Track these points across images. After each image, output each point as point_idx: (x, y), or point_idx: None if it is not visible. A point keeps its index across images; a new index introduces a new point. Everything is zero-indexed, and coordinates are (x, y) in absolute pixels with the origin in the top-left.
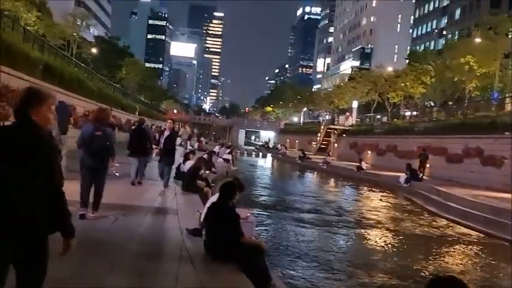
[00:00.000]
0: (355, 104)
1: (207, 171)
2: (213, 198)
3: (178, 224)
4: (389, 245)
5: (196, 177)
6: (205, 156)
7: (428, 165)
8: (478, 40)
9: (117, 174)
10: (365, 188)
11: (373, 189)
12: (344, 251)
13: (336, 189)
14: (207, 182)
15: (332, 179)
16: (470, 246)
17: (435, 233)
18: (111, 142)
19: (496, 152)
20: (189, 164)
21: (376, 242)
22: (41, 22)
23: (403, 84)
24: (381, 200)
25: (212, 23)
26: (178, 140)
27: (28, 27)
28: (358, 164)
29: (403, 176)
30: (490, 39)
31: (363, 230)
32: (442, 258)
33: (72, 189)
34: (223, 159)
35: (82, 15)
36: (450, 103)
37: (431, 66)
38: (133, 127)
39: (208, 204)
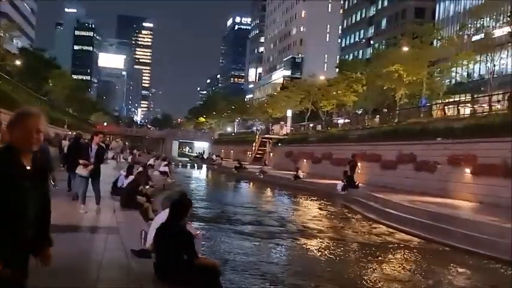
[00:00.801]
0: (289, 113)
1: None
2: (161, 217)
3: (122, 244)
4: (333, 254)
5: (136, 193)
6: (140, 169)
7: (358, 171)
8: (405, 49)
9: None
10: (303, 196)
11: (311, 197)
12: (289, 262)
13: (275, 199)
14: (148, 197)
15: (270, 188)
16: (411, 253)
17: (376, 240)
18: (49, 157)
19: (429, 157)
20: (130, 178)
21: (320, 251)
22: None
23: (335, 92)
24: (320, 208)
25: (141, 34)
26: (110, 154)
27: None
28: (294, 172)
29: (340, 184)
30: (416, 47)
31: (306, 240)
32: (385, 265)
33: None
34: (159, 172)
35: (5, 26)
36: (385, 110)
37: (362, 75)
38: (66, 142)
39: (155, 223)
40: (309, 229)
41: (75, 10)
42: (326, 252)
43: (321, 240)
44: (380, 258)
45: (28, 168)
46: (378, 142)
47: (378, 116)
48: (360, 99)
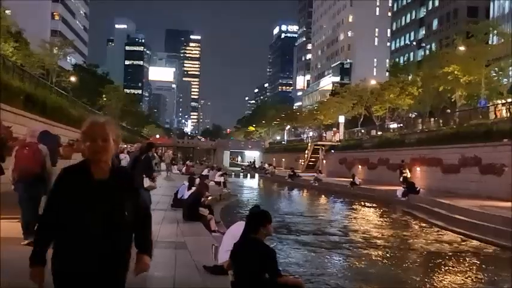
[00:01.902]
0: (341, 119)
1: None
2: (235, 230)
3: (192, 259)
4: (406, 265)
5: (199, 205)
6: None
7: (406, 175)
8: (461, 48)
9: None
10: (361, 203)
11: (370, 204)
12: (360, 274)
13: (333, 207)
14: (210, 209)
15: (326, 196)
16: (486, 261)
17: (448, 249)
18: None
19: (495, 160)
20: (192, 190)
21: (390, 262)
22: (19, 52)
23: (389, 96)
24: (381, 216)
25: (189, 46)
26: (163, 165)
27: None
28: (350, 179)
29: (399, 190)
30: (472, 47)
31: (373, 250)
32: (461, 276)
33: None
34: (214, 182)
35: (59, 43)
36: (448, 111)
37: (417, 77)
38: (124, 155)
39: (228, 237)
40: (373, 238)
41: (125, 26)
42: (397, 263)
43: (388, 249)
44: (455, 268)
45: (99, 178)
46: (438, 145)
47: (433, 119)
48: (415, 102)
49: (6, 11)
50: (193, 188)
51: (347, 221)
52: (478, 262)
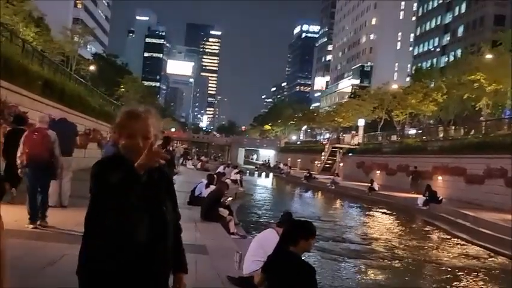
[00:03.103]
0: (361, 122)
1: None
2: (265, 238)
3: (212, 266)
4: (435, 280)
5: (218, 205)
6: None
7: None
8: (489, 56)
9: None
10: (380, 210)
11: (389, 212)
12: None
13: (352, 213)
14: (230, 209)
15: (343, 200)
16: None
17: (476, 264)
18: None
19: None
20: (210, 188)
21: (418, 276)
22: (40, 37)
23: (413, 101)
24: (401, 224)
25: (209, 41)
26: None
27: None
28: (369, 184)
29: (421, 198)
30: (500, 55)
31: (398, 263)
32: None
33: (80, 217)
34: (231, 180)
35: (81, 31)
36: (476, 119)
37: (443, 83)
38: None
39: (256, 245)
40: (395, 248)
41: (146, 18)
42: (423, 277)
43: (412, 262)
44: (485, 286)
45: (140, 174)
46: (462, 155)
47: (454, 127)
48: (438, 109)
49: None
50: (212, 186)
51: (366, 228)
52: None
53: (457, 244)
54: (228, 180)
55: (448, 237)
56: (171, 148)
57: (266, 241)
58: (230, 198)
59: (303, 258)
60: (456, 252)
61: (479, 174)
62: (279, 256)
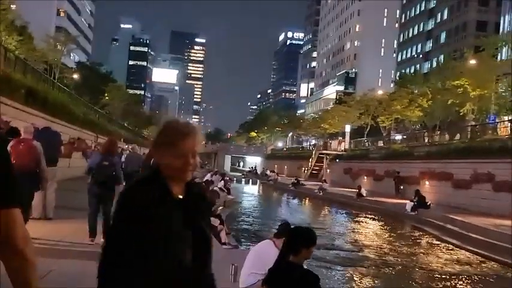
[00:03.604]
0: (347, 128)
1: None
2: (263, 250)
3: None
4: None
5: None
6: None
7: (401, 187)
8: (472, 62)
9: None
10: (369, 216)
11: (378, 217)
12: None
13: (340, 219)
14: (220, 219)
15: (331, 206)
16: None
17: (468, 270)
18: (118, 171)
19: (510, 177)
20: None
21: (413, 284)
22: (23, 46)
23: (398, 107)
24: (390, 230)
25: (194, 49)
26: None
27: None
28: (357, 190)
29: (409, 204)
30: (483, 60)
31: (390, 270)
32: None
33: (66, 230)
34: (219, 188)
35: (64, 39)
36: (469, 124)
37: (428, 89)
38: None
39: (253, 257)
40: (386, 255)
41: (130, 26)
42: (418, 284)
43: (405, 268)
44: None
45: (180, 197)
46: (449, 160)
47: (439, 132)
48: (424, 115)
49: (12, 6)
50: None
51: (356, 234)
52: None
53: (448, 249)
54: (216, 188)
55: (438, 242)
56: None
57: (264, 253)
58: (220, 208)
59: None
60: (447, 258)
61: (466, 179)
62: (282, 268)
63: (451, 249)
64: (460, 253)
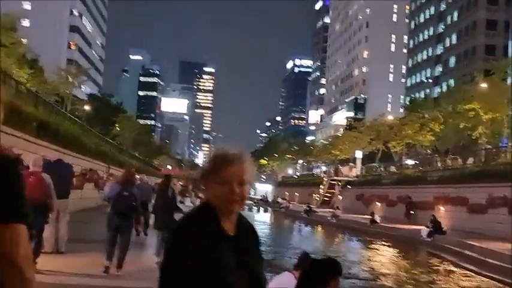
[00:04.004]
0: (358, 154)
1: None
2: (284, 284)
3: None
4: None
5: None
6: None
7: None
8: (483, 85)
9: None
10: (383, 243)
11: (393, 244)
12: None
13: (355, 246)
14: None
15: (345, 233)
16: None
17: None
18: (137, 202)
19: None
20: None
21: None
22: (34, 79)
23: (409, 132)
24: (407, 257)
25: (203, 78)
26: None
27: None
28: (370, 216)
29: (424, 229)
30: (494, 84)
31: None
32: None
33: (78, 263)
34: None
35: (75, 72)
36: (483, 147)
37: (440, 113)
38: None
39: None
40: (405, 283)
41: (140, 57)
42: None
43: None
44: None
45: (231, 234)
46: (463, 184)
47: (451, 156)
48: (435, 139)
49: (22, 39)
50: None
51: (372, 262)
52: None
53: (466, 276)
54: None
55: (456, 269)
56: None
57: (284, 286)
58: None
59: None
60: (466, 286)
61: (481, 203)
62: None
63: (469, 276)
64: (479, 279)
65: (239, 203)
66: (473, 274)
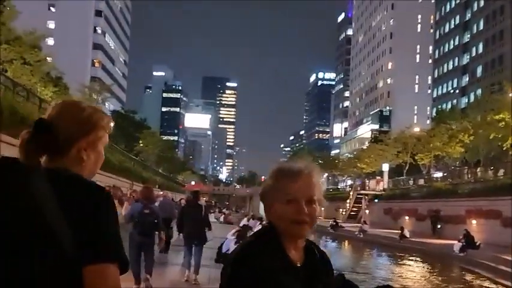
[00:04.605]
0: (385, 167)
1: None
2: None
3: None
4: None
5: None
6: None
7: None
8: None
9: None
10: (414, 259)
11: (424, 260)
12: None
13: (385, 263)
14: None
15: (373, 249)
16: None
17: None
18: (159, 219)
19: None
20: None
21: None
22: (58, 97)
23: (438, 143)
24: (440, 274)
25: (225, 93)
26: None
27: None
28: (399, 231)
29: (457, 244)
30: None
31: None
32: None
33: None
34: None
35: (99, 89)
36: None
37: (469, 124)
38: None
39: None
40: None
41: (163, 73)
42: None
43: None
44: None
45: (298, 265)
46: (496, 197)
47: (481, 168)
48: (465, 150)
49: (48, 58)
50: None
51: (404, 279)
52: None
53: None
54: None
55: (493, 286)
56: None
57: None
58: None
59: None
60: None
61: None
62: None
63: None
64: None
65: (308, 225)
66: None
